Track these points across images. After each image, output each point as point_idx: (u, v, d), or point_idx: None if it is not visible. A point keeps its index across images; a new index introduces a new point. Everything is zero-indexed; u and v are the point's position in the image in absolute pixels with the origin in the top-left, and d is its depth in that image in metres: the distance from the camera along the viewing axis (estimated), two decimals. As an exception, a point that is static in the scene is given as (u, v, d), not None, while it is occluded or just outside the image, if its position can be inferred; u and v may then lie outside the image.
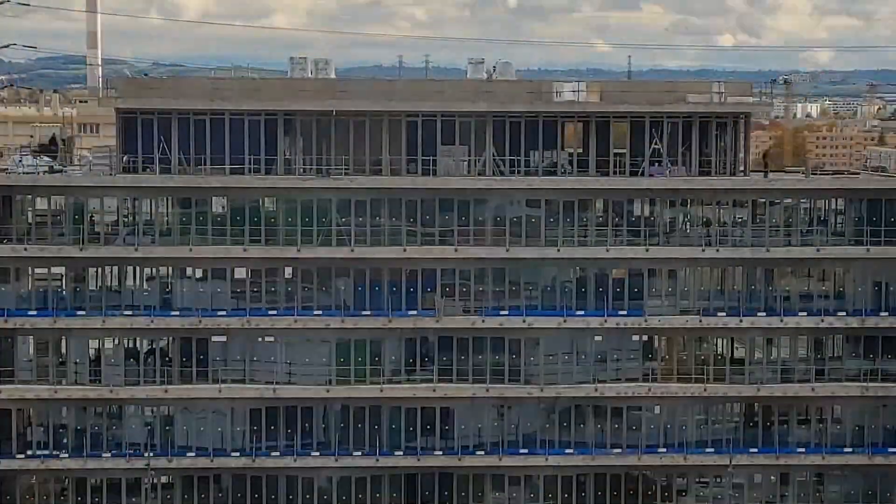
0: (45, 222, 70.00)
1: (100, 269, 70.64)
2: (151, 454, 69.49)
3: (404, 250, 69.79)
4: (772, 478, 73.21)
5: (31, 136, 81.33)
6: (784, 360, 72.79)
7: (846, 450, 72.70)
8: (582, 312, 70.98)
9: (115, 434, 70.82)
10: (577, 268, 71.45)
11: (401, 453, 71.01)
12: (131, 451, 70.03)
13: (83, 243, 69.18)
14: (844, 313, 71.96)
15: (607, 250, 70.46)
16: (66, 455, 70.13)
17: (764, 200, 71.92)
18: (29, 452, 70.12)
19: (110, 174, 70.68)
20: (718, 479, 72.87)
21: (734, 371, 72.24)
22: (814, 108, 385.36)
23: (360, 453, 70.87)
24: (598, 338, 71.61)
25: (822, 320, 71.72)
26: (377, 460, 70.84)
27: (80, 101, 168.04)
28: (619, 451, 71.81)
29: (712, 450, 72.12)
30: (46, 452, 70.13)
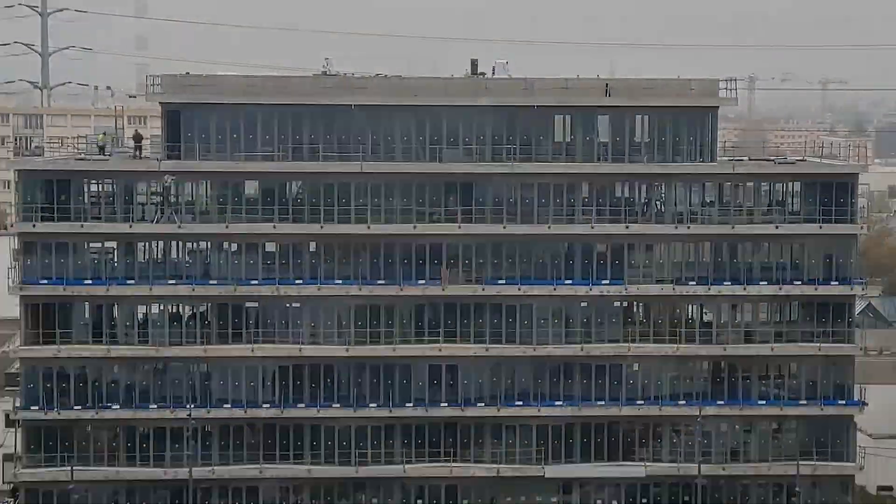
0: (99, 202, 70.03)
1: (147, 244, 70.62)
2: (192, 406, 69.70)
3: (414, 227, 69.70)
4: (736, 427, 73.22)
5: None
6: (747, 324, 72.70)
7: (801, 402, 72.70)
8: (570, 282, 70.94)
9: (161, 388, 70.91)
10: (566, 243, 71.39)
11: (411, 405, 71.07)
12: (175, 403, 70.24)
13: (132, 221, 69.23)
14: (800, 282, 71.88)
15: (592, 227, 70.40)
16: (118, 406, 70.29)
17: (730, 184, 71.81)
18: (87, 404, 70.33)
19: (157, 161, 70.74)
20: (689, 428, 72.92)
21: (703, 333, 72.17)
22: (773, 103, 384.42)
23: (375, 405, 70.92)
24: (584, 304, 71.54)
25: (781, 289, 71.66)
26: (390, 411, 70.90)
27: (130, 97, 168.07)
28: (602, 403, 71.82)
29: (684, 402, 72.12)
30: (101, 404, 70.30)
